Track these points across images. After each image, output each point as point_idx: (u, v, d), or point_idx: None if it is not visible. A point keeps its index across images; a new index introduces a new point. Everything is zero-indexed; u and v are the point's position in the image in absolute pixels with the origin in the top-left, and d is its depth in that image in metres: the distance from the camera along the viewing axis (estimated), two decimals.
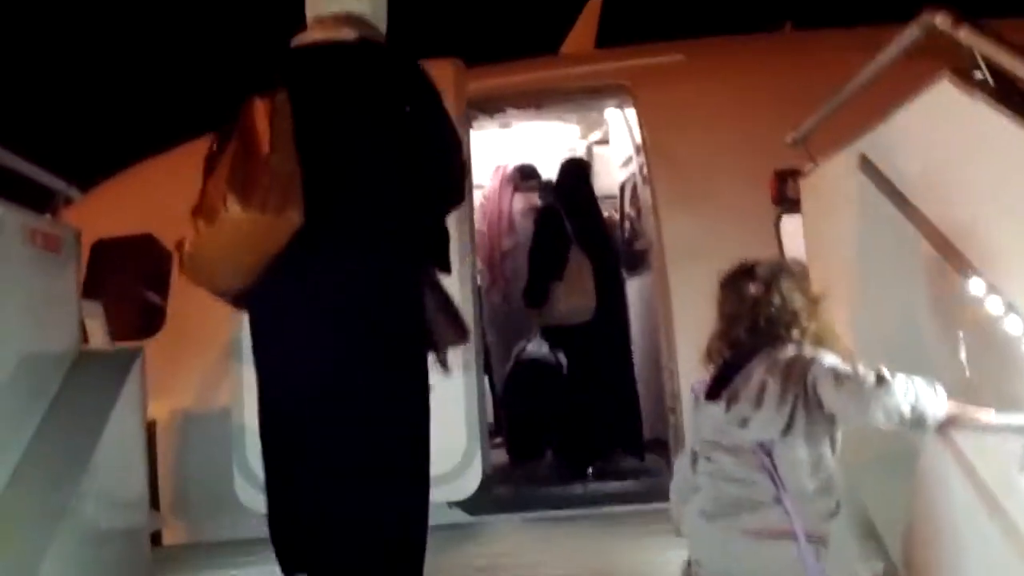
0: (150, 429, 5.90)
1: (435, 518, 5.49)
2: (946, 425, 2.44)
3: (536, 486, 6.36)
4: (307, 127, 3.09)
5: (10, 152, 3.30)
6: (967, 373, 2.59)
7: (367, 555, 3.28)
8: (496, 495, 5.86)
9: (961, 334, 2.70)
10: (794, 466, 2.56)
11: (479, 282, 7.17)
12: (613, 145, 7.85)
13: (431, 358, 3.53)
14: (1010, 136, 2.34)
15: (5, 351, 3.13)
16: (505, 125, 7.37)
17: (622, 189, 7.61)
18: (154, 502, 5.74)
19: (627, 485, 5.99)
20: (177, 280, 6.22)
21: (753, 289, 2.86)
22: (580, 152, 8.37)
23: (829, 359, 2.63)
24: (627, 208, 7.59)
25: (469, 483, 5.49)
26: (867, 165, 3.06)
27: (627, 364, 6.79)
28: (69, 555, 2.98)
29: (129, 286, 6.65)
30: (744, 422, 2.61)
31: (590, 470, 6.58)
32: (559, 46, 8.93)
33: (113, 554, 3.41)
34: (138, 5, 14.30)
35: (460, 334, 3.58)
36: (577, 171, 7.11)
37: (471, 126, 6.43)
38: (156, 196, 6.62)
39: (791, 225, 6.13)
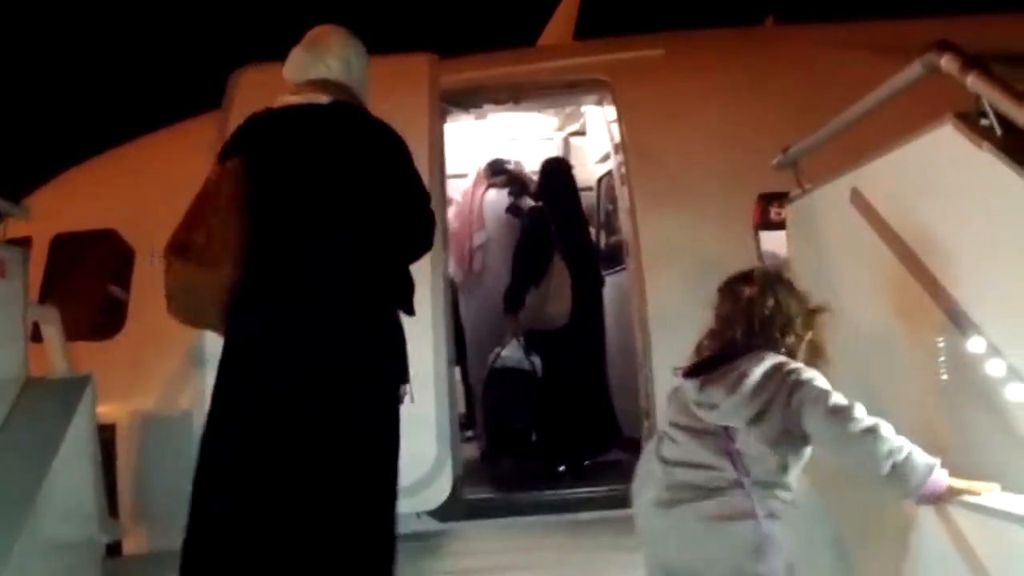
0: (109, 433, 5.72)
1: (403, 527, 5.43)
2: (944, 498, 2.30)
3: (508, 491, 6.21)
4: (265, 187, 3.34)
5: None
6: (941, 410, 2.46)
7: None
8: (467, 500, 5.70)
9: (943, 374, 2.57)
10: (757, 457, 2.53)
11: (453, 278, 7.04)
12: (590, 137, 7.66)
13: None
14: (1018, 188, 2.18)
15: None
16: (480, 117, 7.16)
17: (599, 183, 7.43)
18: (113, 510, 5.57)
19: (600, 490, 5.83)
20: (139, 279, 6.02)
21: (748, 291, 2.86)
22: (557, 143, 8.19)
23: (825, 385, 2.57)
24: (603, 202, 7.42)
25: (439, 492, 5.35)
26: (858, 199, 2.90)
27: (601, 367, 6.66)
28: None
29: (89, 283, 6.40)
30: (713, 406, 2.58)
31: (562, 468, 6.48)
32: (536, 38, 8.71)
33: None
34: None
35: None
36: (560, 172, 6.91)
37: (445, 119, 6.22)
38: (118, 189, 6.40)
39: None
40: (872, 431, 2.42)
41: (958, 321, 2.43)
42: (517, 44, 8.02)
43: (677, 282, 5.76)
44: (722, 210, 5.82)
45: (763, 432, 2.53)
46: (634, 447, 6.12)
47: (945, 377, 2.59)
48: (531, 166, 8.24)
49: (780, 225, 3.61)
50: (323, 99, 3.52)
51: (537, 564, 4.52)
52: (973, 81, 2.28)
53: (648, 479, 2.72)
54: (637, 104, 6.12)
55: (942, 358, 2.56)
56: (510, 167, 7.44)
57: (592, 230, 7.36)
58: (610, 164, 6.92)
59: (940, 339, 2.57)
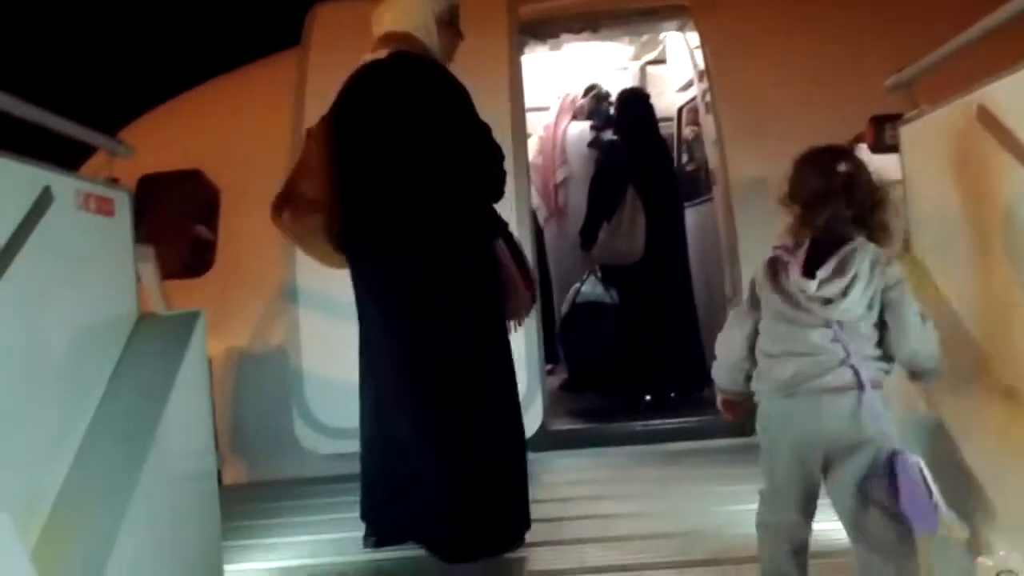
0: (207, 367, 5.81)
1: None
2: None
3: (593, 422, 6.20)
4: (343, 147, 3.68)
5: (50, 112, 3.07)
6: None
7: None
8: (554, 431, 5.71)
9: None
10: (860, 339, 2.58)
11: (538, 214, 7.00)
12: (670, 65, 7.48)
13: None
14: None
15: (64, 322, 2.95)
16: (556, 48, 7.03)
17: (680, 113, 7.27)
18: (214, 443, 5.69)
19: (691, 421, 5.79)
20: (226, 218, 6.06)
21: (844, 167, 2.72)
22: (633, 72, 8.02)
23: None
24: (685, 132, 7.26)
25: (530, 424, 5.34)
26: (987, 116, 2.77)
27: (685, 302, 6.56)
28: (141, 528, 2.85)
29: (177, 223, 6.45)
30: (827, 302, 2.57)
31: (648, 398, 6.46)
32: None
33: (185, 521, 3.28)
34: None
35: (528, 294, 3.95)
36: (637, 103, 6.73)
37: (522, 51, 6.11)
38: (201, 129, 6.41)
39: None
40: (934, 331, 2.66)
41: None
42: None
43: (767, 215, 5.63)
44: (812, 140, 5.65)
45: (867, 318, 2.60)
46: None
47: None
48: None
49: (894, 148, 3.46)
50: (383, 54, 3.69)
51: (631, 494, 4.51)
52: None
53: (742, 366, 2.77)
54: (721, 29, 5.95)
55: None
56: (600, 95, 7.29)
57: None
58: (692, 92, 6.77)
59: None
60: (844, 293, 2.57)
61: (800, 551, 2.65)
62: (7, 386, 2.57)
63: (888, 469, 2.51)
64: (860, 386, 2.54)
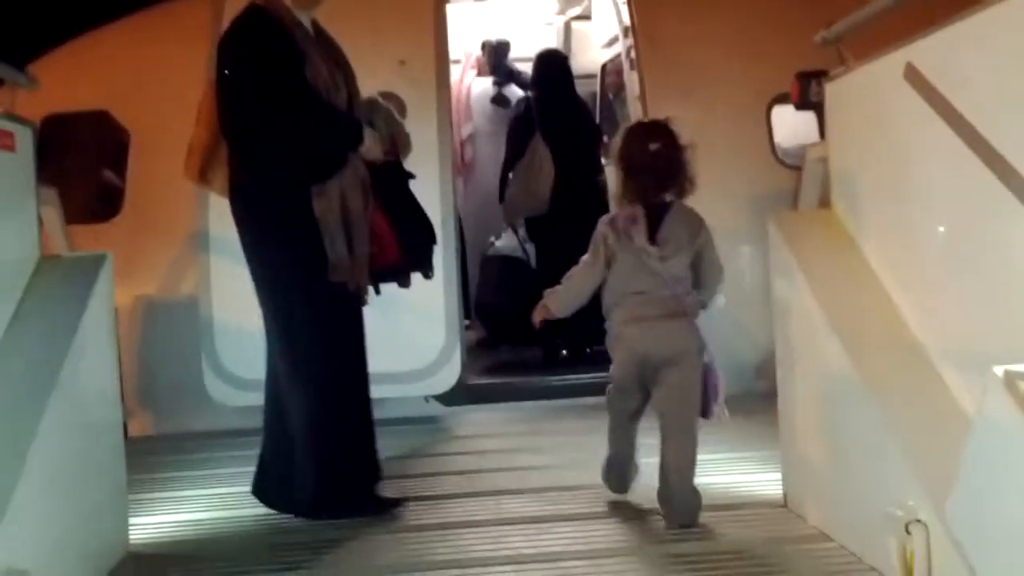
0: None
1: (412, 410, 5.40)
2: None
3: (509, 376, 6.16)
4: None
5: None
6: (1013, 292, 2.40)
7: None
8: (472, 386, 5.66)
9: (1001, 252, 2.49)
10: (683, 282, 3.39)
11: None
12: (595, 22, 7.40)
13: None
14: None
15: None
16: None
17: (603, 69, 7.21)
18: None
19: (603, 377, 5.77)
20: (135, 161, 5.82)
21: (654, 146, 3.43)
22: (557, 28, 7.93)
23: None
24: (607, 89, 7.22)
25: (448, 378, 5.31)
26: (914, 74, 2.76)
27: None
28: (42, 478, 2.72)
29: (85, 165, 6.18)
30: (664, 259, 3.35)
31: (564, 352, 6.45)
32: None
33: (89, 471, 3.14)
34: None
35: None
36: (556, 63, 6.70)
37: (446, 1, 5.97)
38: (113, 68, 6.11)
39: (781, 115, 5.90)
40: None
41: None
42: None
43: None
44: (736, 99, 5.68)
45: (686, 268, 3.40)
46: None
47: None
48: (531, 51, 8.04)
49: (819, 105, 3.45)
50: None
51: (546, 447, 4.50)
52: None
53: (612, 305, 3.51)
54: None
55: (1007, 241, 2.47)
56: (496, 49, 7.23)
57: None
58: (616, 49, 6.71)
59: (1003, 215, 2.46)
60: (673, 254, 3.37)
61: (634, 417, 3.57)
62: None
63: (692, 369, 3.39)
64: (685, 315, 3.39)
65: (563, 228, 6.28)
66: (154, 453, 4.83)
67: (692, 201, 4.76)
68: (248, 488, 3.75)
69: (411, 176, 3.97)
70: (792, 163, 5.72)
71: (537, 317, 3.73)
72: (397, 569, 3.05)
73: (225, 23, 5.22)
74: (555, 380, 5.82)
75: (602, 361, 6.10)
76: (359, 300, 3.66)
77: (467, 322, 6.97)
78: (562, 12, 7.83)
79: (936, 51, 2.74)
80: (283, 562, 3.15)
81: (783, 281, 3.37)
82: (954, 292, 2.73)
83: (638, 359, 3.40)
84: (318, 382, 3.58)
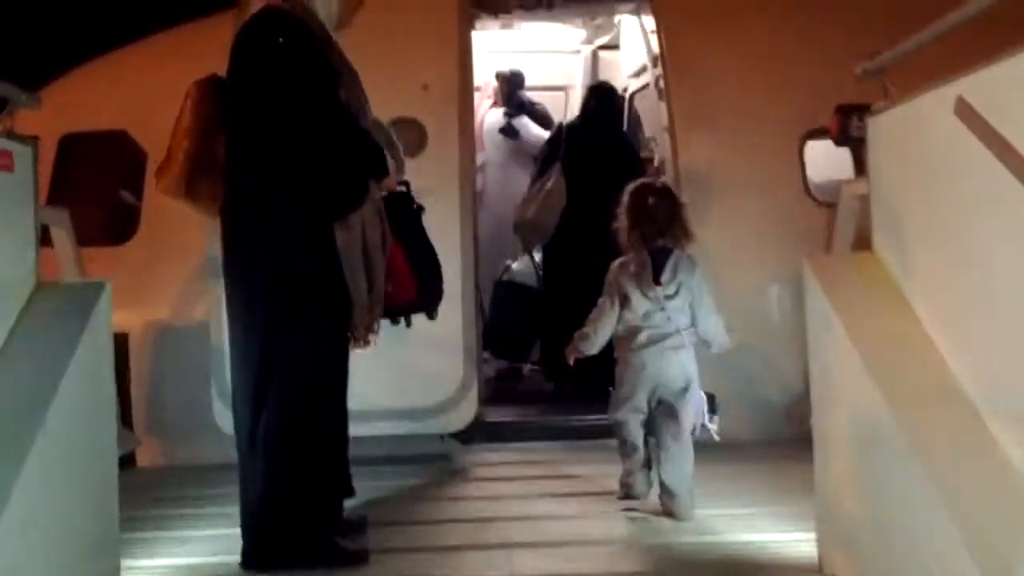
0: (122, 342, 5.43)
1: (424, 448, 5.19)
2: None
3: (525, 409, 5.93)
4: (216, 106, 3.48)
5: None
6: None
7: None
8: (489, 423, 5.42)
9: None
10: (683, 318, 3.92)
11: None
12: (623, 50, 7.22)
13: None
14: None
15: None
16: (507, 25, 6.75)
17: (631, 99, 7.02)
18: (127, 421, 5.33)
19: None
20: (151, 183, 5.66)
21: (651, 200, 4.02)
22: (585, 56, 7.76)
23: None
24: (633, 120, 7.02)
25: (465, 415, 5.10)
26: (965, 108, 2.55)
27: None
28: (26, 517, 2.54)
29: (100, 186, 6.04)
30: (669, 298, 3.92)
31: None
32: None
33: (77, 511, 2.95)
34: None
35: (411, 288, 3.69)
36: (598, 96, 6.50)
37: (473, 26, 5.81)
38: (130, 89, 5.98)
39: (814, 151, 5.68)
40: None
41: None
42: None
43: (716, 206, 5.43)
44: (768, 132, 5.47)
45: (686, 305, 3.93)
46: None
47: None
48: (558, 80, 7.89)
49: (860, 140, 3.24)
50: (256, 7, 3.52)
51: (564, 493, 4.28)
52: None
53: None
54: (678, 13, 5.69)
55: None
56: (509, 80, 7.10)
57: None
58: (644, 79, 6.52)
59: None
60: (676, 293, 3.93)
61: (638, 431, 3.97)
62: None
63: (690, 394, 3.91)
64: (686, 347, 3.92)
65: (571, 260, 6.10)
66: (159, 486, 4.66)
67: (721, 235, 5.15)
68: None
69: (421, 209, 3.74)
70: (825, 199, 5.51)
71: (570, 356, 4.13)
72: None
73: None
74: (575, 420, 5.56)
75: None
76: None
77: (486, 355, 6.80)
78: (589, 41, 7.65)
79: (990, 85, 2.52)
80: None
81: (821, 331, 3.14)
82: (1007, 345, 2.50)
83: (650, 381, 3.90)
84: (304, 433, 3.29)
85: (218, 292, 5.06)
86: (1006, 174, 2.39)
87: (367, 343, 3.48)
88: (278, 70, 3.26)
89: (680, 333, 3.89)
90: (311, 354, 3.27)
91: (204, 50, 5.75)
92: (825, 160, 5.73)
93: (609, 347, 6.16)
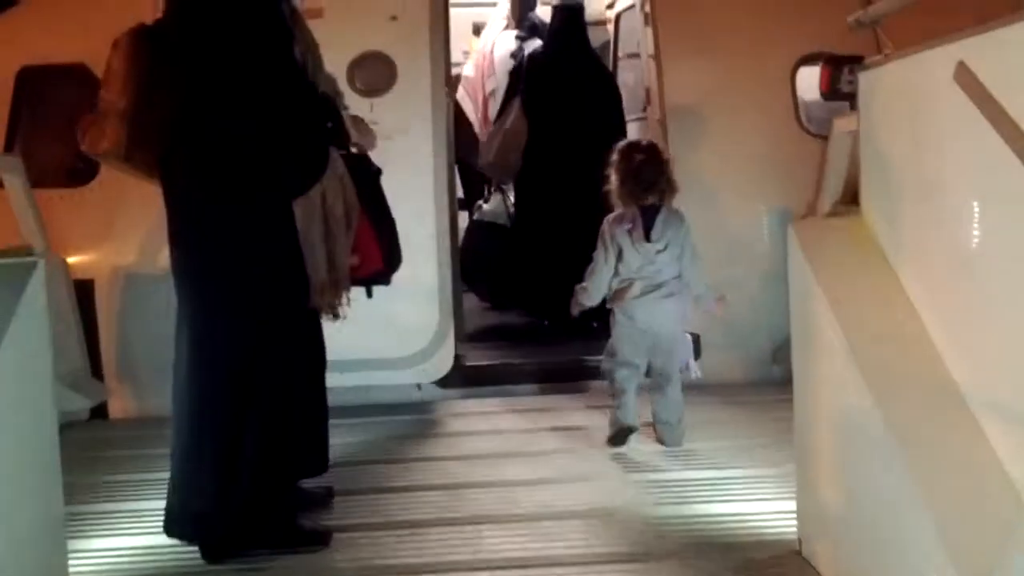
0: (88, 289, 5.21)
1: (399, 395, 5.01)
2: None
3: (505, 347, 5.74)
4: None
5: None
6: None
7: None
8: (468, 367, 5.22)
9: None
10: (672, 268, 4.09)
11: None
12: None
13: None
14: None
15: None
16: None
17: (617, 19, 6.63)
18: (96, 371, 5.14)
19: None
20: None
21: (639, 156, 4.10)
22: None
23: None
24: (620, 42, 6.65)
25: (441, 364, 4.90)
26: (966, 75, 2.26)
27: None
28: None
29: (61, 122, 5.71)
30: (659, 252, 4.07)
31: (545, 323, 6.09)
32: None
33: (15, 504, 2.76)
34: None
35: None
36: (571, 17, 6.03)
37: None
38: (94, 17, 5.61)
39: (807, 77, 5.34)
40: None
41: None
42: None
43: (703, 137, 5.14)
44: (758, 60, 5.13)
45: (675, 257, 4.11)
46: None
47: None
48: None
49: (850, 95, 2.94)
50: None
51: (543, 451, 4.11)
52: None
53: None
54: None
55: None
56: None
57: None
58: None
59: None
60: (665, 248, 4.08)
61: (636, 381, 4.16)
62: None
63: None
64: (675, 295, 4.10)
65: (540, 196, 5.92)
66: (125, 444, 4.47)
67: (713, 166, 5.05)
68: None
69: (379, 172, 3.43)
70: (817, 131, 5.20)
71: (574, 310, 4.26)
72: None
73: None
74: (557, 361, 5.37)
75: (593, 339, 5.74)
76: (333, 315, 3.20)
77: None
78: None
79: (994, 52, 2.23)
80: None
81: (803, 303, 2.90)
82: (1000, 327, 2.27)
83: (646, 332, 4.10)
84: (273, 421, 3.07)
85: None
86: (1005, 147, 2.12)
87: (336, 316, 3.23)
88: (224, 25, 2.94)
89: (670, 282, 4.08)
90: (254, 338, 3.03)
91: None
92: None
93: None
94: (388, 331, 4.71)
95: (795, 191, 5.13)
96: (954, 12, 2.90)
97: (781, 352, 5.12)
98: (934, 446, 2.37)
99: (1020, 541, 2.00)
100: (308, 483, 3.46)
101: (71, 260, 5.08)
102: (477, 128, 6.64)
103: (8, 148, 5.24)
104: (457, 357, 4.99)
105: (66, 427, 3.92)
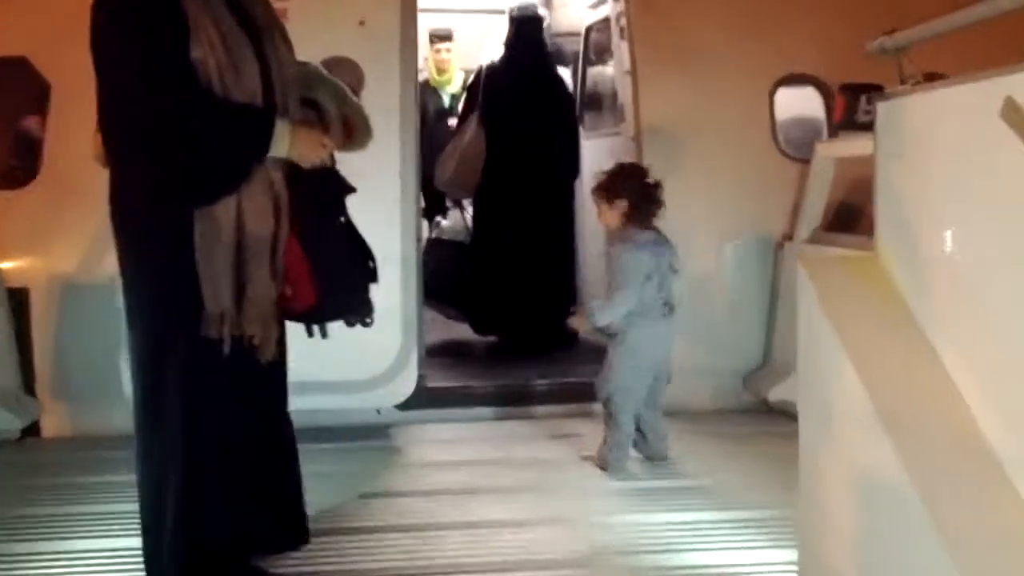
0: (22, 298, 4.81)
1: (357, 418, 4.70)
2: None
3: (469, 368, 5.46)
4: None
5: None
6: None
7: None
8: (430, 389, 4.92)
9: None
10: (672, 294, 4.06)
11: None
12: None
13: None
14: None
15: None
16: None
17: (587, 32, 6.38)
18: (30, 386, 4.74)
19: (569, 382, 5.08)
20: (56, 118, 4.95)
21: (651, 179, 4.09)
22: None
23: None
24: (591, 55, 6.40)
25: (403, 387, 4.59)
26: (1014, 111, 2.05)
27: (546, 247, 5.85)
28: None
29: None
30: (675, 272, 4.07)
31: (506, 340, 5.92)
32: None
33: None
34: None
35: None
36: (526, 28, 5.75)
37: None
38: (35, 10, 5.20)
39: (784, 97, 5.16)
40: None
41: None
42: None
43: (680, 158, 4.90)
44: (737, 79, 4.92)
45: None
46: None
47: None
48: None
49: (866, 126, 2.71)
50: None
51: (514, 487, 3.83)
52: None
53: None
54: None
55: None
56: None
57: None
58: (604, 11, 5.88)
59: None
60: (675, 272, 4.07)
61: (633, 410, 4.04)
62: None
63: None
64: (671, 318, 4.06)
65: (499, 213, 5.75)
66: (55, 470, 4.08)
67: (688, 186, 4.79)
68: None
69: (351, 190, 3.05)
70: (795, 154, 5.02)
71: (583, 326, 4.37)
72: None
73: None
74: (520, 384, 5.09)
75: (554, 360, 5.54)
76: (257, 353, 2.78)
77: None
78: None
79: None
80: None
81: (813, 347, 2.65)
82: None
83: (656, 355, 4.04)
84: (180, 453, 2.72)
85: None
86: None
87: (271, 357, 2.83)
88: (106, 30, 2.65)
89: (669, 305, 4.03)
90: (150, 358, 2.75)
91: None
92: (797, 103, 5.26)
93: (539, 308, 5.89)
94: (346, 352, 4.37)
95: (771, 213, 4.98)
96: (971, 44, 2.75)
97: (752, 378, 4.93)
98: (967, 513, 2.14)
99: None
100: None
101: (4, 266, 4.70)
102: None
103: None
104: (419, 377, 4.70)
105: None
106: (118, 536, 3.27)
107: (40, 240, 4.81)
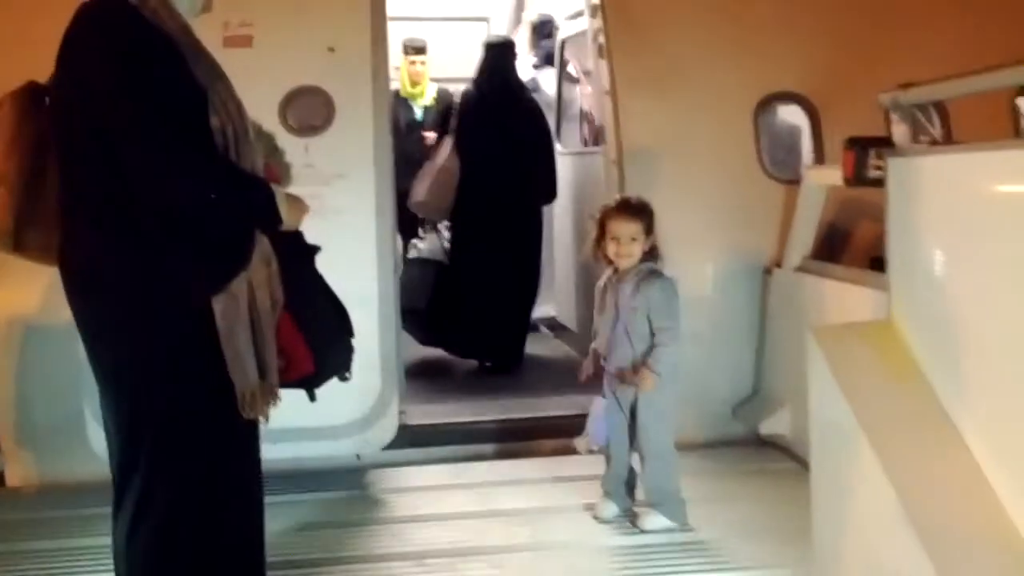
0: None
1: (334, 462, 4.45)
2: None
3: (451, 403, 5.23)
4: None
5: None
6: None
7: None
8: (411, 428, 4.67)
9: None
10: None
11: None
12: None
13: None
14: None
15: None
16: None
17: (563, 45, 6.13)
18: None
19: (551, 416, 4.87)
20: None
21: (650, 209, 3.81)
22: None
23: None
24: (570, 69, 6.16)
25: (384, 432, 4.35)
26: None
27: (514, 270, 5.83)
28: None
29: None
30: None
31: (487, 365, 5.89)
32: None
33: None
34: None
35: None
36: (499, 55, 5.79)
37: None
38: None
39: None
40: None
41: None
42: None
43: (662, 182, 4.67)
44: (719, 99, 4.70)
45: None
46: None
47: None
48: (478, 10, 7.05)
49: (877, 182, 2.49)
50: None
51: (506, 546, 3.58)
52: None
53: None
54: None
55: None
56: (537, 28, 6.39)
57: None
58: (581, 25, 5.63)
59: None
60: None
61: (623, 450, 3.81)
62: None
63: None
64: None
65: (475, 234, 5.72)
66: (21, 528, 3.82)
67: (671, 210, 4.30)
68: None
69: (315, 250, 2.79)
70: (781, 176, 4.80)
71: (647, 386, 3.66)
72: None
73: None
74: (502, 417, 4.87)
75: (541, 392, 5.34)
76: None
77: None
78: None
79: None
80: None
81: (829, 425, 2.44)
82: None
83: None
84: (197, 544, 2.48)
85: None
86: None
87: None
88: (126, 90, 2.33)
89: None
90: (207, 451, 2.48)
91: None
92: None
93: (517, 330, 5.75)
94: (324, 396, 4.13)
95: (758, 237, 4.77)
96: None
97: (742, 410, 4.73)
98: None
99: None
100: None
101: None
102: None
103: None
104: (400, 414, 4.46)
105: None
106: None
107: None
